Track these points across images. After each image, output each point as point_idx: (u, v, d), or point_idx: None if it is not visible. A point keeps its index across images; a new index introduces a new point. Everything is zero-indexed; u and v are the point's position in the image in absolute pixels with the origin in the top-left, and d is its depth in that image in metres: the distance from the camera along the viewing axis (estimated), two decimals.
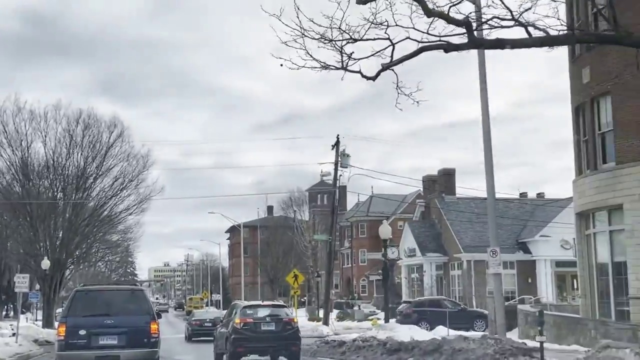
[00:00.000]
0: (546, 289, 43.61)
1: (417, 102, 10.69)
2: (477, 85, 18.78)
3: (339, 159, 38.94)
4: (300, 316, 57.17)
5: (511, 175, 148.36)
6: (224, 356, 18.74)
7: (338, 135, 39.39)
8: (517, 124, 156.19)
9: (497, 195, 48.23)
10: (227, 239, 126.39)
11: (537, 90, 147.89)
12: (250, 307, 19.01)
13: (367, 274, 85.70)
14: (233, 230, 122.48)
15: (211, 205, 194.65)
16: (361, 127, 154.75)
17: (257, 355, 18.69)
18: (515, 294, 44.81)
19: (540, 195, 57.21)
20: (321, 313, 53.82)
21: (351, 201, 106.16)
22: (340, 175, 38.86)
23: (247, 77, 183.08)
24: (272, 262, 49.79)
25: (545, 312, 23.15)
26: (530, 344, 16.41)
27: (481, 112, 18.73)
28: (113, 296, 15.31)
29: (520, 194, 56.13)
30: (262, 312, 18.53)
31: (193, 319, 36.49)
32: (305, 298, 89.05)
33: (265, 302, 21.32)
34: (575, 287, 44.99)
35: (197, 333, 33.97)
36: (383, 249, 24.80)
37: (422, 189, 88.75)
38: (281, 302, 23.43)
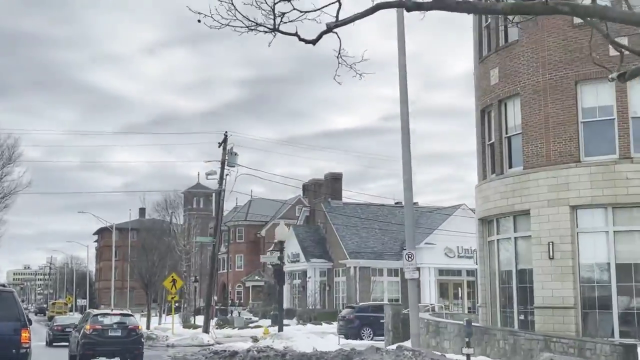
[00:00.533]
0: (430, 297, 43.48)
1: (360, 74, 9.26)
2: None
3: (226, 158, 36.90)
4: (176, 322, 54.40)
5: (385, 184, 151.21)
6: (77, 358, 20.67)
7: (226, 132, 37.41)
8: (388, 136, 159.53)
9: (374, 202, 48.02)
10: (95, 241, 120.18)
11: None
12: (100, 315, 21.95)
13: (243, 279, 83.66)
14: (102, 232, 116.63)
15: (78, 207, 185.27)
16: (236, 133, 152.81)
17: (104, 357, 20.75)
18: (399, 301, 44.39)
19: (414, 204, 57.48)
20: (197, 320, 51.37)
21: (228, 207, 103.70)
22: (227, 175, 36.83)
23: (119, 76, 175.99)
24: (147, 265, 46.67)
25: (441, 320, 22.35)
26: (452, 356, 15.24)
27: (400, 103, 17.49)
28: None
29: (395, 202, 56.22)
30: (111, 320, 21.24)
31: (55, 324, 36.54)
32: (177, 304, 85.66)
33: (115, 311, 24.49)
34: (461, 295, 45.33)
35: (59, 338, 33.85)
36: (279, 252, 23.11)
37: (302, 195, 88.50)
38: (129, 312, 25.73)
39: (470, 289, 45.94)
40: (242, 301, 77.41)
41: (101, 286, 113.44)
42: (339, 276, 45.75)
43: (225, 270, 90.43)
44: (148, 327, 45.22)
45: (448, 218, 43.77)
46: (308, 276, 46.07)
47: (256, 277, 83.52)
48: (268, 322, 43.11)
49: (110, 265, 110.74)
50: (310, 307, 45.27)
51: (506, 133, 21.63)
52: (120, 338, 20.69)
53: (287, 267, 47.11)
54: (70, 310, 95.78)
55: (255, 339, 35.11)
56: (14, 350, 12.42)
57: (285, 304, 47.69)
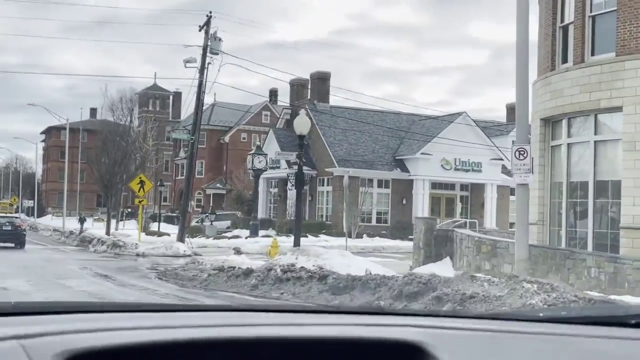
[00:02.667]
0: (422, 212, 39.81)
1: None
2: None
3: (209, 43, 31.67)
4: (131, 229, 49.94)
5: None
6: None
7: (210, 13, 32.03)
8: (338, 51, 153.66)
9: (363, 107, 43.60)
10: (42, 141, 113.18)
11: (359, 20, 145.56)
12: None
13: (204, 187, 79.14)
14: (50, 132, 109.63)
15: (19, 108, 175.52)
16: (182, 39, 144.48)
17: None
18: (388, 215, 40.79)
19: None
20: (154, 227, 47.00)
21: (190, 110, 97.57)
22: (209, 63, 31.68)
23: None
24: (107, 166, 41.66)
25: (500, 239, 18.46)
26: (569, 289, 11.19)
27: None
28: None
29: None
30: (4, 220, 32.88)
31: None
32: (129, 210, 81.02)
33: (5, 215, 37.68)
34: (462, 211, 41.85)
35: None
36: (298, 147, 18.59)
37: (268, 100, 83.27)
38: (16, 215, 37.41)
39: (464, 204, 42.53)
40: (200, 209, 72.99)
41: (48, 187, 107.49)
42: (323, 185, 41.62)
43: (184, 177, 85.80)
44: (108, 233, 40.67)
45: (447, 126, 39.71)
46: (291, 184, 41.73)
47: (218, 185, 79.12)
48: (244, 232, 39.03)
49: (58, 166, 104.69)
50: (289, 218, 41.23)
51: (590, 11, 17.27)
52: (11, 231, 31.50)
53: (265, 174, 42.74)
54: (17, 211, 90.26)
55: (237, 251, 31.15)
56: None
57: (260, 214, 43.61)
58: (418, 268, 20.04)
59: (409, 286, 11.70)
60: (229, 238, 36.30)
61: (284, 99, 78.20)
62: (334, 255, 15.64)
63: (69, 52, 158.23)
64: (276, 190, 46.14)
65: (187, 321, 1.36)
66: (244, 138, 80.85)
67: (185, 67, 32.16)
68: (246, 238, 35.66)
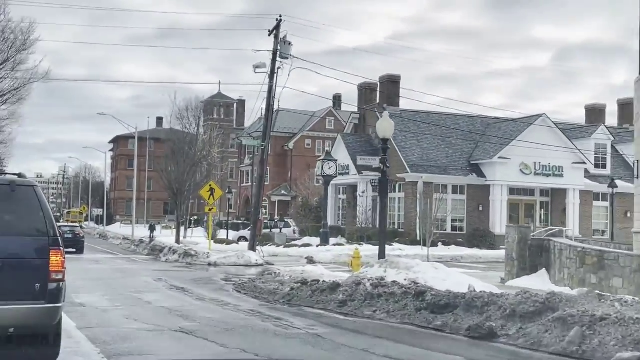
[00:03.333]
0: (500, 218, 38.14)
1: None
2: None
3: (278, 47, 30.86)
4: (198, 236, 49.63)
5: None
6: None
7: (280, 16, 31.23)
8: (398, 56, 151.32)
9: (435, 110, 42.11)
10: (110, 150, 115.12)
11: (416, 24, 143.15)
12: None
13: (269, 194, 78.74)
14: (118, 141, 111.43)
15: (86, 118, 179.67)
16: (242, 47, 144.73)
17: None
18: (464, 222, 39.21)
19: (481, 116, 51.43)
20: (222, 234, 46.53)
21: (253, 117, 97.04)
22: (279, 68, 30.87)
23: None
24: (177, 174, 41.41)
25: (607, 250, 16.87)
26: None
27: None
28: None
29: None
30: (66, 228, 35.18)
31: None
32: (195, 217, 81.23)
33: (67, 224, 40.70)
34: (542, 217, 39.96)
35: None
36: (382, 152, 17.44)
37: (332, 106, 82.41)
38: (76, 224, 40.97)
39: (544, 210, 40.57)
40: (266, 216, 72.51)
41: (116, 196, 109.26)
42: (395, 192, 40.29)
43: (250, 184, 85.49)
44: (178, 241, 40.33)
45: (526, 129, 37.89)
46: (361, 191, 40.62)
47: (282, 192, 78.64)
48: (313, 239, 38.08)
49: (126, 175, 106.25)
50: (360, 226, 40.12)
51: None
52: (71, 238, 33.68)
53: (333, 181, 41.68)
54: (86, 220, 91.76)
55: (310, 260, 30.17)
56: (37, 285, 7.09)
57: (329, 221, 42.59)
58: (511, 281, 18.66)
59: (524, 305, 10.40)
60: (299, 246, 35.41)
61: (347, 106, 77.30)
62: (427, 268, 14.42)
63: (133, 63, 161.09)
64: (345, 197, 45.05)
65: None
66: (308, 144, 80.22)
67: (255, 72, 31.42)
68: (317, 246, 34.69)
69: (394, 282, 13.43)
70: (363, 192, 40.56)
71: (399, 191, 39.73)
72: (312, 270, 19.50)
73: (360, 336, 10.35)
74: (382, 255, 17.05)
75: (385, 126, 17.29)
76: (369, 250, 29.44)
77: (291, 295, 14.81)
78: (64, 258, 7.34)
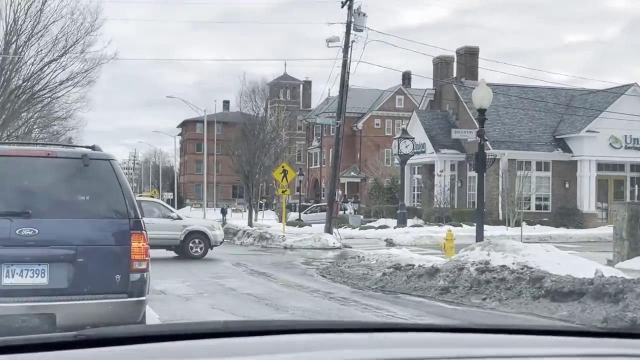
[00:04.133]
0: (588, 196, 35.93)
1: None
2: None
3: (352, 19, 29.47)
4: (269, 219, 48.93)
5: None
6: None
7: None
8: (464, 31, 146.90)
9: (517, 82, 40.00)
10: (179, 134, 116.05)
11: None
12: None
13: (340, 174, 77.51)
14: (186, 125, 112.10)
15: (152, 104, 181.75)
16: (307, 30, 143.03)
17: None
18: (549, 200, 37.14)
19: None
20: (292, 217, 45.57)
21: (321, 98, 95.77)
22: (353, 42, 29.49)
23: None
24: (247, 156, 40.65)
25: None
26: None
27: None
28: (39, 169, 6.13)
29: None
30: None
31: None
32: (264, 200, 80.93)
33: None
34: (633, 194, 37.59)
35: None
36: (479, 124, 15.95)
37: (401, 84, 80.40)
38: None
39: (634, 186, 38.07)
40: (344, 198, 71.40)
41: (186, 180, 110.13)
42: (473, 170, 38.47)
43: (318, 166, 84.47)
44: (251, 224, 39.63)
45: (616, 100, 35.45)
46: (440, 170, 38.96)
47: (352, 173, 77.39)
48: (389, 221, 36.73)
49: (195, 159, 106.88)
50: (438, 206, 38.52)
51: None
52: None
53: (409, 160, 40.12)
54: None
55: (390, 242, 28.89)
56: (117, 277, 6.02)
57: (405, 202, 41.11)
58: (621, 263, 16.90)
59: None
60: (376, 228, 34.10)
61: (417, 83, 75.05)
62: (537, 250, 12.91)
63: (197, 47, 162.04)
64: (420, 176, 43.43)
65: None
66: (377, 124, 78.53)
67: (328, 46, 30.15)
68: (394, 228, 33.32)
69: (503, 266, 12.00)
70: (441, 171, 38.91)
71: None
72: (399, 254, 18.17)
73: None
74: (480, 237, 15.62)
75: (482, 94, 15.77)
76: (455, 231, 27.93)
77: (384, 280, 13.56)
78: (148, 244, 6.27)
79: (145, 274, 6.18)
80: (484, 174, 16.47)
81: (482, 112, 15.86)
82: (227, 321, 1.64)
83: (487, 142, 35.93)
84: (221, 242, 21.61)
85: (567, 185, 36.67)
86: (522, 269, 11.79)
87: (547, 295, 10.50)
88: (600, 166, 36.82)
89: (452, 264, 13.02)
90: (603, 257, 18.81)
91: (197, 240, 20.31)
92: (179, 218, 20.99)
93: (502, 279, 11.47)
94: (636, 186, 37.88)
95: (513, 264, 12.35)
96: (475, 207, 37.90)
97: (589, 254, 21.04)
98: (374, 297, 12.15)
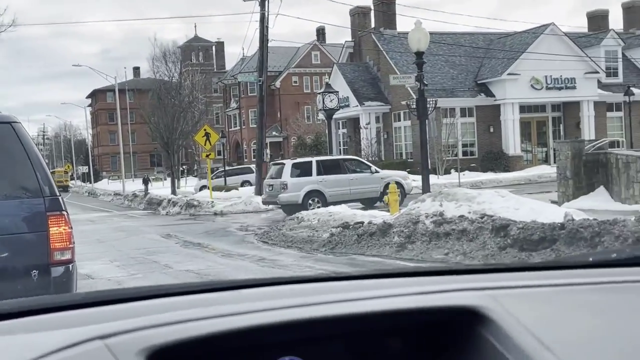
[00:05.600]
0: (513, 139, 36.02)
1: None
2: None
3: None
4: (192, 186, 47.38)
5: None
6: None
7: None
8: None
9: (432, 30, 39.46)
10: (89, 105, 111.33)
11: None
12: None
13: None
14: (96, 95, 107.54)
15: (57, 77, 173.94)
16: None
17: None
18: (475, 146, 37.05)
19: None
20: (216, 182, 44.10)
21: (235, 58, 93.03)
22: None
23: None
24: (165, 122, 38.80)
25: None
26: None
27: None
28: None
29: None
30: None
31: None
32: (185, 166, 78.79)
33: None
34: (555, 134, 37.90)
35: None
36: (417, 68, 15.02)
37: (316, 40, 79.11)
38: None
39: (555, 127, 38.44)
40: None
41: (100, 152, 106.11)
42: (399, 120, 37.94)
43: (238, 128, 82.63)
44: (175, 192, 38.08)
45: (534, 41, 35.36)
46: (366, 122, 38.18)
47: (274, 133, 76.05)
48: None
49: (108, 129, 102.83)
50: (366, 159, 37.81)
51: None
52: None
53: (335, 115, 39.11)
54: (72, 179, 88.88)
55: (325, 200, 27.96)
56: (34, 273, 4.78)
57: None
58: (568, 203, 16.53)
59: None
60: None
61: (332, 38, 73.83)
62: (492, 197, 12.21)
63: (99, 14, 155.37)
64: (345, 131, 42.67)
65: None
66: (295, 82, 77.19)
67: (244, 0, 28.60)
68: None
69: (461, 216, 11.22)
70: (367, 124, 38.18)
71: (405, 119, 37.38)
72: (340, 212, 17.25)
73: None
74: (427, 187, 14.84)
75: (418, 37, 14.85)
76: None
77: (333, 242, 12.61)
78: (71, 227, 5.01)
79: (70, 265, 4.93)
80: (426, 120, 15.64)
81: (419, 55, 14.99)
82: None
83: (411, 91, 35.36)
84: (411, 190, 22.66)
85: (491, 130, 36.64)
86: (481, 217, 11.05)
87: (514, 245, 9.78)
88: (523, 108, 36.90)
89: (405, 218, 12.17)
90: (544, 198, 18.49)
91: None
92: (377, 171, 22.71)
93: (462, 231, 10.69)
94: (560, 126, 38.27)
95: (469, 213, 11.60)
96: (404, 157, 37.65)
97: (527, 196, 20.82)
98: (327, 260, 11.20)
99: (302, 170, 21.33)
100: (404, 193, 21.27)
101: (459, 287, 1.41)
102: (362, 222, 12.92)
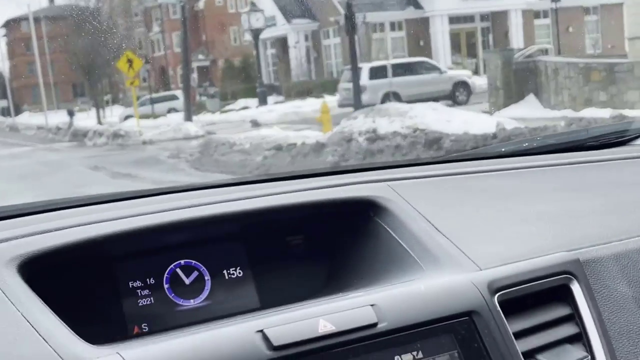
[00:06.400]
0: (444, 52, 35.94)
1: None
2: None
3: None
4: (117, 115, 46.09)
5: None
6: None
7: None
8: None
9: None
10: (4, 35, 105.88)
11: None
12: None
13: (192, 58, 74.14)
14: (8, 26, 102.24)
15: None
16: None
17: None
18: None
19: None
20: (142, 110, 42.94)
21: None
22: None
23: None
24: (85, 50, 37.14)
25: (601, 62, 14.84)
26: None
27: None
28: None
29: None
30: None
31: None
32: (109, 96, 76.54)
33: None
34: (484, 44, 37.95)
35: None
36: None
37: None
38: None
39: (485, 37, 38.52)
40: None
41: (19, 85, 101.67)
42: (329, 38, 37.30)
43: (162, 53, 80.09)
44: (100, 122, 36.95)
45: None
46: (295, 41, 37.39)
47: (200, 57, 74.05)
48: (249, 101, 35.24)
49: (26, 60, 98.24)
50: (297, 80, 37.34)
51: None
52: None
53: (262, 35, 38.19)
54: None
55: (255, 123, 27.51)
56: None
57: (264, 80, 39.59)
58: (499, 112, 16.63)
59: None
60: (237, 110, 32.57)
61: None
62: (424, 110, 12.09)
63: None
64: (274, 51, 41.80)
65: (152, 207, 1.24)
66: (219, 2, 74.73)
67: None
68: (257, 108, 31.91)
69: (395, 132, 11.06)
70: (297, 43, 37.42)
71: (334, 37, 36.76)
72: (272, 134, 16.92)
73: None
74: (359, 104, 14.58)
75: None
76: (319, 103, 26.97)
77: (267, 164, 12.32)
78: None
79: None
80: (355, 36, 15.25)
81: None
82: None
83: (338, 6, 34.71)
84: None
85: (421, 44, 36.42)
86: (414, 132, 10.92)
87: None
88: (452, 20, 36.73)
89: (338, 136, 11.94)
90: (476, 109, 18.57)
91: (461, 89, 24.23)
92: (445, 72, 24.73)
93: (396, 146, 10.54)
94: (489, 36, 38.34)
95: (402, 128, 11.45)
96: (333, 75, 37.20)
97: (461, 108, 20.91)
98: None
99: (378, 73, 23.24)
100: (469, 91, 23.79)
101: (356, 180, 1.41)
102: (295, 144, 12.64)
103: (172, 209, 1.22)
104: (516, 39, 36.95)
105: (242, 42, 58.06)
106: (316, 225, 1.34)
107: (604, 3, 37.17)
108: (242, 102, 36.09)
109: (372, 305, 1.05)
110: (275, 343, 0.97)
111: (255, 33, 33.59)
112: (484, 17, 37.94)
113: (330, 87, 34.73)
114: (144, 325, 1.19)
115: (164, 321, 1.20)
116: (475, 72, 37.94)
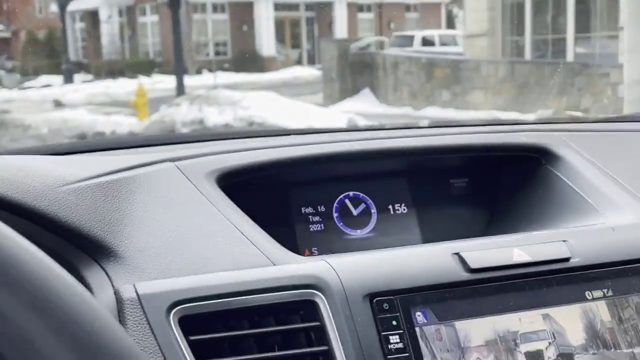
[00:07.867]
0: (267, 39, 34.57)
1: None
2: None
3: None
4: None
5: None
6: None
7: None
8: None
9: None
10: None
11: None
12: None
13: None
14: None
15: None
16: None
17: None
18: (228, 45, 35.05)
19: None
20: None
21: None
22: None
23: None
24: None
25: (446, 58, 14.04)
26: None
27: None
28: None
29: None
30: None
31: None
32: None
33: None
34: (308, 35, 36.96)
35: None
36: None
37: None
38: None
39: (309, 27, 37.70)
40: None
41: None
42: (145, 15, 34.48)
43: None
44: None
45: None
46: (107, 16, 34.13)
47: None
48: (53, 79, 31.68)
49: None
50: (108, 59, 34.20)
51: None
52: None
53: (70, 6, 34.57)
54: None
55: (58, 103, 24.33)
56: None
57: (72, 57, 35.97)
58: (334, 106, 15.43)
59: None
60: (39, 88, 28.96)
61: None
62: (259, 100, 10.46)
63: None
64: (83, 25, 38.18)
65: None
66: None
67: None
68: (61, 86, 28.60)
69: (227, 125, 9.35)
70: (110, 17, 34.25)
71: (152, 14, 34.10)
72: (77, 117, 14.48)
73: None
74: (181, 89, 12.66)
75: None
76: (132, 85, 24.45)
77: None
78: None
79: None
80: (178, 11, 13.31)
81: None
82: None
83: None
84: None
85: (245, 28, 34.81)
86: (249, 125, 9.27)
87: None
88: (277, 6, 35.49)
89: (157, 126, 10.03)
90: (309, 101, 17.32)
91: None
92: None
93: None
94: (314, 25, 37.53)
95: (234, 119, 9.77)
96: (151, 56, 34.62)
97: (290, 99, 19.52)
98: None
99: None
100: None
101: (527, 128, 1.43)
102: (104, 132, 10.51)
103: (344, 140, 1.25)
104: (340, 31, 36.46)
105: (47, 13, 53.10)
106: (481, 169, 1.35)
107: (425, 2, 37.80)
108: (45, 79, 32.37)
109: (564, 240, 1.07)
110: (472, 265, 0.99)
111: (62, 3, 30.13)
112: (309, 6, 37.08)
113: (146, 67, 32.13)
114: (314, 249, 1.24)
115: (334, 247, 1.24)
116: (299, 62, 37.08)
